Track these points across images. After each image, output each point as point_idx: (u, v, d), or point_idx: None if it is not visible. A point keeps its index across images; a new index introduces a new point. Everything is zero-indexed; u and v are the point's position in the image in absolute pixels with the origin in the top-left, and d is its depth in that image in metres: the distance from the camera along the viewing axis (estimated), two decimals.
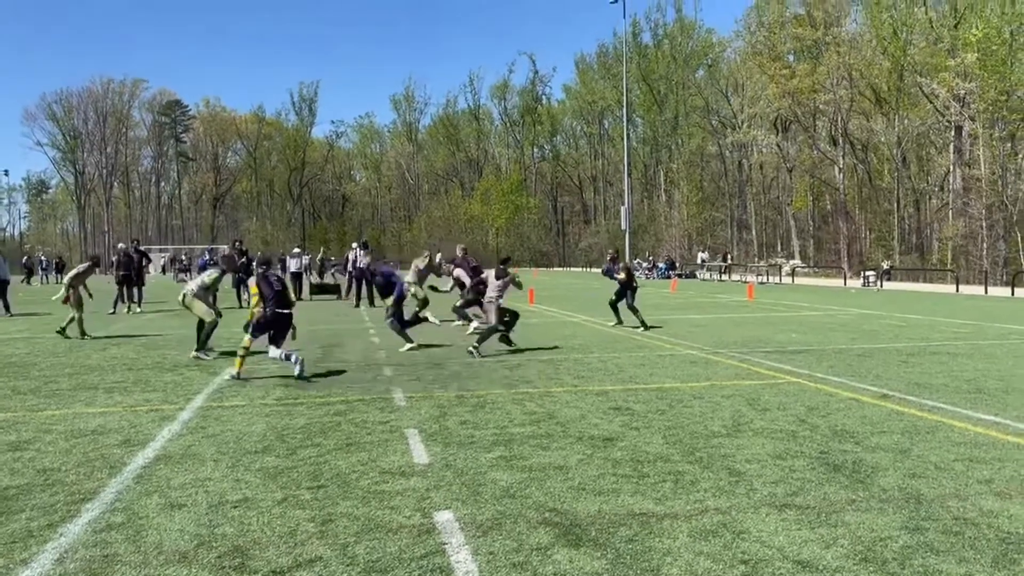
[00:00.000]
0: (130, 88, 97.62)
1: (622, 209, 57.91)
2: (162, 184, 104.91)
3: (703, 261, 48.00)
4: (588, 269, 67.05)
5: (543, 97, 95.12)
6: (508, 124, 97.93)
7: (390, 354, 11.30)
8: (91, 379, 9.28)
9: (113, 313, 19.50)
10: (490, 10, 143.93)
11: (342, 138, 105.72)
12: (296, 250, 27.90)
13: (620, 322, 15.20)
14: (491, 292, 12.05)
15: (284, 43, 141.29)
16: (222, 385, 8.75)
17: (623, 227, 57.60)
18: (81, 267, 14.85)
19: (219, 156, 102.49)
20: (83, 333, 13.83)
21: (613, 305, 15.30)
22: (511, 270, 12.32)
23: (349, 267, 23.88)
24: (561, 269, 73.55)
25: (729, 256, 51.04)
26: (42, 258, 53.19)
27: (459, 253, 16.63)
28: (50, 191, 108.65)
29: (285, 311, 9.15)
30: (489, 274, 13.06)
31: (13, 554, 3.85)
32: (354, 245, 24.62)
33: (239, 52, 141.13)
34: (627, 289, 14.88)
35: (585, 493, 4.70)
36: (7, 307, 19.59)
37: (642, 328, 14.44)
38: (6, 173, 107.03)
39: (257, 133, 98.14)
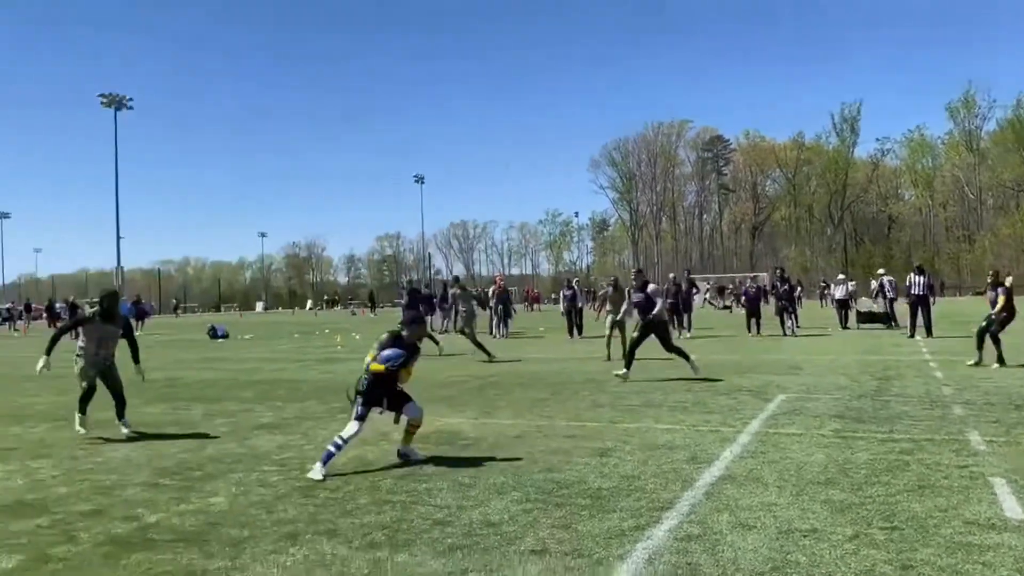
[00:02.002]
0: (676, 129, 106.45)
1: None
2: (704, 216, 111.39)
3: None
4: None
5: None
6: None
7: (958, 390, 10.11)
8: (656, 397, 10.17)
9: None
10: None
11: (888, 155, 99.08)
12: (840, 276, 27.12)
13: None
14: None
15: (825, 67, 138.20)
16: (775, 412, 8.82)
17: None
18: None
19: (757, 185, 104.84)
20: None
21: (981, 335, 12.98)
22: None
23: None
24: None
25: None
26: (603, 286, 60.87)
27: None
28: (609, 228, 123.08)
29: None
30: None
31: (611, 548, 4.39)
32: (880, 272, 22.82)
33: (779, 82, 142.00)
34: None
35: None
36: (580, 329, 23.04)
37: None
38: (576, 215, 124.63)
39: (796, 159, 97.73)
